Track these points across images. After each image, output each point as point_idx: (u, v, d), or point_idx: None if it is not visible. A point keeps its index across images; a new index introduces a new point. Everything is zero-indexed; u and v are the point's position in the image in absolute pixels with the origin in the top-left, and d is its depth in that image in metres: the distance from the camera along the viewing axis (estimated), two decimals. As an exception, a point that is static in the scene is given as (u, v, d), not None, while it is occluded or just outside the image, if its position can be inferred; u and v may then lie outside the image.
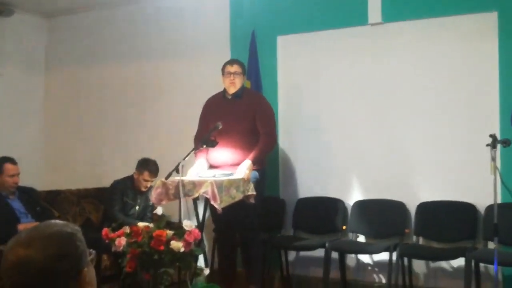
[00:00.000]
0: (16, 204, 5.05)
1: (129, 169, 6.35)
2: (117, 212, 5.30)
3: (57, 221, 1.55)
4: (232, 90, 5.01)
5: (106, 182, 5.63)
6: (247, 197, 4.66)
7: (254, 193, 4.67)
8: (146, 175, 5.42)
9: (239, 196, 4.58)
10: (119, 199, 5.37)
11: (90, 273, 1.52)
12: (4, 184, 4.98)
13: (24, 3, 6.80)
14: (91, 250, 1.55)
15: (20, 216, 4.98)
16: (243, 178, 4.63)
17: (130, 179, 5.51)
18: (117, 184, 5.48)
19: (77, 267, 1.48)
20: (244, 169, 4.70)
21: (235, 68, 5.01)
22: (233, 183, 4.57)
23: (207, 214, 5.04)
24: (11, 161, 5.06)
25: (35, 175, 6.69)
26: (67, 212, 5.78)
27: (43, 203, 5.46)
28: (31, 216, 5.04)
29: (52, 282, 1.43)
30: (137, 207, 5.46)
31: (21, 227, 4.70)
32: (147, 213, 5.52)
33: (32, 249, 1.43)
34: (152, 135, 6.65)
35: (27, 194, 5.19)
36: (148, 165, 5.44)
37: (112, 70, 6.95)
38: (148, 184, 5.46)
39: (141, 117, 6.72)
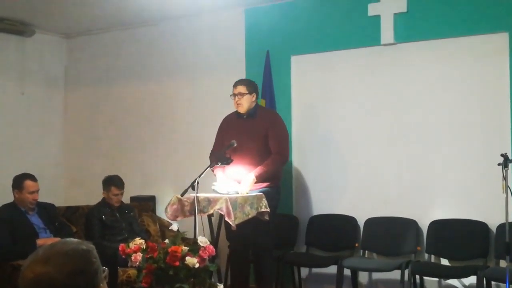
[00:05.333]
0: (35, 220, 5.12)
1: (146, 186, 6.46)
2: (98, 238, 5.24)
3: (73, 239, 1.60)
4: (241, 110, 5.07)
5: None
6: (261, 214, 4.72)
7: (268, 210, 4.73)
8: (114, 190, 5.50)
9: (253, 213, 4.65)
10: (98, 224, 5.39)
11: None
12: (24, 201, 5.06)
13: (45, 24, 6.98)
14: (104, 267, 1.59)
15: (39, 231, 5.04)
16: (256, 195, 4.70)
17: (102, 201, 5.56)
18: (90, 211, 5.52)
19: (93, 284, 1.53)
20: (245, 185, 4.78)
21: (238, 89, 5.04)
22: (247, 200, 4.64)
23: (222, 230, 5.11)
24: (31, 178, 5.15)
25: (54, 191, 6.82)
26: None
27: (61, 218, 5.55)
28: (49, 232, 5.11)
29: None
30: (123, 224, 5.50)
31: (40, 242, 4.74)
32: (135, 227, 5.59)
33: (49, 266, 1.47)
34: (168, 153, 6.75)
35: (46, 210, 5.27)
36: (112, 181, 5.53)
37: (130, 88, 7.09)
38: (119, 198, 5.54)
39: (158, 134, 6.84)
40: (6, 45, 6.93)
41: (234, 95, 5.05)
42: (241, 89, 5.03)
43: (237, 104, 5.05)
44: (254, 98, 5.09)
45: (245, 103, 5.04)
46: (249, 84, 5.11)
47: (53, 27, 7.16)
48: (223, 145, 5.05)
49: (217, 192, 4.81)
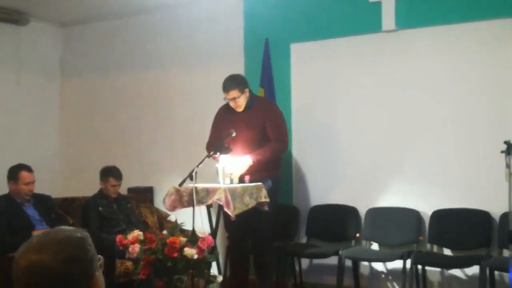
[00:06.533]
0: (31, 211, 5.09)
1: (144, 177, 6.40)
2: (96, 230, 5.22)
3: (67, 227, 1.58)
4: (240, 110, 4.98)
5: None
6: (260, 204, 4.66)
7: (268, 200, 4.67)
8: (112, 180, 5.45)
9: (252, 203, 4.59)
10: (95, 216, 5.34)
11: (100, 277, 1.54)
12: (19, 192, 5.02)
13: (39, 12, 6.89)
14: (99, 255, 1.56)
15: (35, 223, 5.02)
16: (256, 185, 4.63)
17: (99, 192, 5.51)
18: (87, 202, 5.47)
19: (88, 272, 1.49)
20: (240, 167, 4.71)
21: (231, 94, 4.90)
22: (246, 190, 4.58)
23: (220, 221, 5.05)
24: (27, 168, 5.10)
25: (50, 182, 6.76)
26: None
27: (57, 210, 5.50)
28: (45, 223, 5.07)
29: (64, 286, 1.44)
30: (120, 216, 5.45)
31: (35, 233, 4.68)
32: (132, 219, 5.53)
33: (43, 253, 1.44)
34: (166, 143, 6.69)
35: (42, 201, 5.23)
36: (110, 171, 5.48)
37: (126, 78, 7.02)
38: (117, 189, 5.50)
39: (155, 125, 6.78)
40: (1, 35, 6.84)
41: (229, 99, 4.94)
42: (234, 94, 4.89)
43: (235, 106, 4.97)
44: (247, 93, 4.98)
45: (243, 103, 4.96)
46: (237, 84, 4.92)
47: (48, 16, 7.08)
48: (220, 136, 4.98)
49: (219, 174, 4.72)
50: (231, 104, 4.96)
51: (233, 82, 4.93)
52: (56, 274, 1.43)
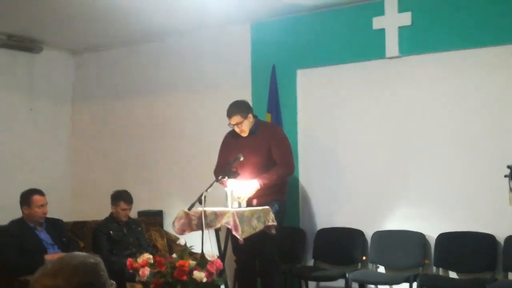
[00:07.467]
0: (44, 235, 5.13)
1: (154, 200, 6.45)
2: (106, 254, 5.24)
3: (81, 252, 1.63)
4: (244, 135, 5.06)
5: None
6: (268, 227, 4.71)
7: (275, 223, 4.73)
8: (122, 205, 5.51)
9: (260, 227, 4.64)
10: (105, 240, 5.41)
11: None
12: (34, 215, 5.07)
13: (53, 41, 7.06)
14: (111, 281, 1.62)
15: (47, 247, 5.04)
16: (263, 209, 4.70)
17: (109, 216, 5.58)
18: (98, 227, 5.53)
19: None
20: (247, 190, 4.77)
21: (234, 120, 5.00)
22: (254, 214, 4.64)
23: (229, 244, 5.10)
24: (39, 192, 5.15)
25: (61, 206, 6.82)
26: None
27: (69, 234, 5.56)
28: (57, 247, 5.12)
29: None
30: (130, 239, 5.52)
31: (48, 257, 4.74)
32: (142, 242, 5.60)
33: (58, 279, 1.50)
34: (175, 167, 6.77)
35: (54, 226, 5.27)
36: (121, 195, 5.55)
37: (136, 104, 7.14)
38: (127, 213, 5.56)
39: (165, 149, 6.86)
40: (15, 62, 7.00)
41: (232, 125, 5.05)
42: (237, 119, 4.99)
43: (240, 131, 5.06)
44: (251, 118, 5.06)
45: (246, 128, 5.04)
46: (240, 109, 5.01)
47: (60, 44, 7.24)
48: (226, 160, 5.06)
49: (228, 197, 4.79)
50: (236, 129, 5.06)
51: (235, 108, 5.03)
52: None
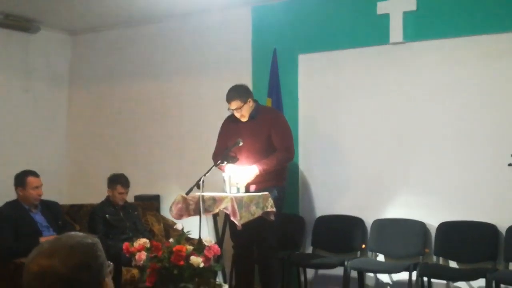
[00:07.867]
0: (39, 218, 5.09)
1: (151, 185, 6.41)
2: (102, 237, 5.19)
3: (78, 232, 1.59)
4: (244, 120, 5.00)
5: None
6: (266, 213, 4.66)
7: (274, 209, 4.68)
8: (119, 188, 5.48)
9: (258, 213, 4.59)
10: (101, 223, 5.36)
11: (109, 284, 1.55)
12: (28, 197, 5.02)
13: (50, 21, 6.96)
14: (109, 262, 1.57)
15: (42, 229, 5.01)
16: (262, 195, 4.64)
17: (106, 200, 5.54)
18: (94, 209, 5.49)
19: (98, 278, 1.51)
20: (247, 176, 4.72)
21: (233, 105, 4.92)
22: (253, 200, 4.59)
23: (227, 230, 5.05)
24: (33, 173, 5.11)
25: (57, 188, 6.79)
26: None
27: (65, 217, 5.51)
28: (52, 230, 5.08)
29: None
30: (127, 223, 5.47)
31: (43, 240, 4.71)
32: (139, 226, 5.55)
33: (54, 259, 1.46)
34: (173, 151, 6.72)
35: (49, 208, 5.23)
36: (118, 179, 5.52)
37: (135, 86, 7.06)
38: (124, 197, 5.52)
39: (163, 132, 6.80)
40: (11, 42, 6.91)
41: (232, 109, 4.97)
42: (236, 104, 4.91)
43: (240, 116, 4.98)
44: (251, 103, 4.98)
45: (246, 112, 4.97)
46: (239, 94, 4.93)
47: (58, 24, 7.14)
48: (226, 145, 5.00)
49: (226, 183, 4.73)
50: (235, 114, 4.99)
51: (234, 93, 4.95)
52: (66, 279, 1.45)
